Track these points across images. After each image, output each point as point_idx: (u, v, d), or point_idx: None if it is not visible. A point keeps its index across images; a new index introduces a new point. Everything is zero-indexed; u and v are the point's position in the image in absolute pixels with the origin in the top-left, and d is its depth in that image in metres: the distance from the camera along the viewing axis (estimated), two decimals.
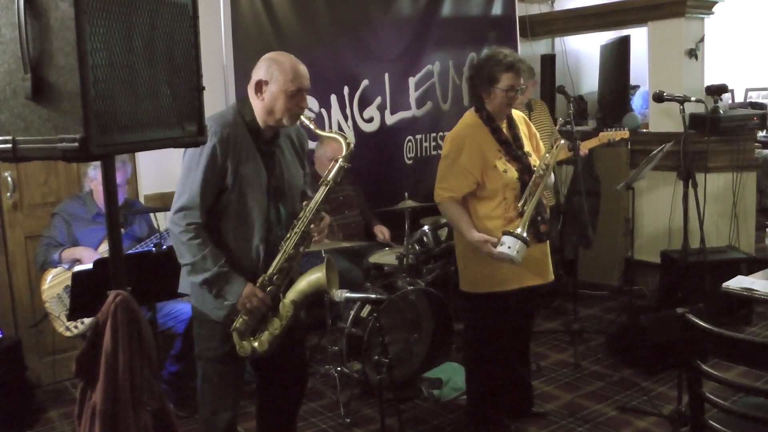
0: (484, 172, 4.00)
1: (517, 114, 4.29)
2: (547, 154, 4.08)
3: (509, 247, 3.82)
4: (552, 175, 4.14)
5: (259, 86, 3.19)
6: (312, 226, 3.29)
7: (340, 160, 3.34)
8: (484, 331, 4.27)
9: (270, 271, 3.24)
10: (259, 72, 3.21)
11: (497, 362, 4.31)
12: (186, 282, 3.33)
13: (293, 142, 3.48)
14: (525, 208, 3.97)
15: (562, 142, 4.25)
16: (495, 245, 3.89)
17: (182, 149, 3.13)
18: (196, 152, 3.10)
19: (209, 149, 3.08)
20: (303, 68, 3.24)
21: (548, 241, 4.25)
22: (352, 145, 3.39)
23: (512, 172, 4.03)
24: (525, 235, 3.85)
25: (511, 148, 4.09)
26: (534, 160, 4.14)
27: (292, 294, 3.27)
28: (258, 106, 3.22)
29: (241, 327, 3.22)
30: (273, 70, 3.17)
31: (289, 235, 3.27)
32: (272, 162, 3.30)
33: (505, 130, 4.14)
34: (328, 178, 3.31)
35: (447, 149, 4.13)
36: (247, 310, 3.17)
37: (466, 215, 4.06)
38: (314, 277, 3.27)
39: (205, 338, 3.35)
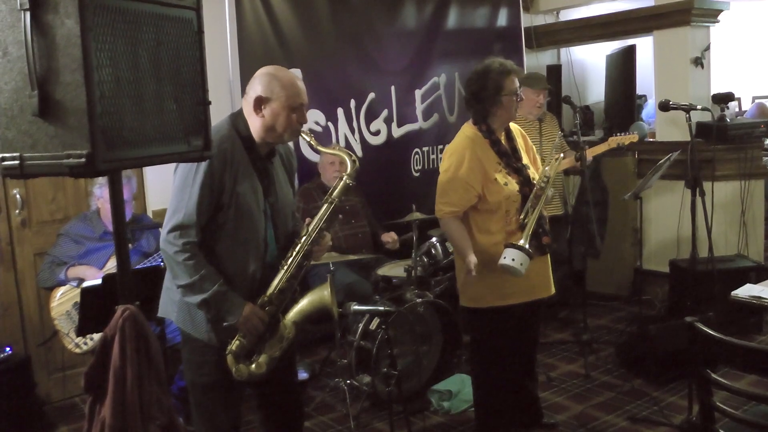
0: (485, 186, 3.97)
1: (514, 127, 4.27)
2: (547, 167, 4.07)
3: (513, 260, 3.78)
4: (551, 190, 4.12)
5: (259, 103, 3.06)
6: (314, 246, 3.20)
7: (345, 177, 3.24)
8: (489, 346, 4.25)
9: (270, 290, 3.13)
10: (256, 88, 3.08)
11: (503, 376, 4.30)
12: (167, 305, 3.22)
13: (283, 159, 3.35)
14: (526, 220, 3.95)
15: (562, 155, 4.25)
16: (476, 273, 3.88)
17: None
18: (191, 168, 2.96)
19: (206, 164, 2.92)
20: (301, 83, 3.14)
21: (549, 254, 4.24)
22: (357, 163, 3.29)
23: (513, 185, 4.00)
24: (528, 247, 3.84)
25: (511, 160, 4.07)
26: (532, 173, 4.13)
27: (293, 314, 3.19)
28: (257, 123, 3.09)
29: (237, 349, 3.10)
30: (274, 86, 3.06)
31: (290, 254, 3.16)
32: (267, 179, 3.19)
33: (504, 142, 4.12)
34: (333, 196, 3.22)
35: (447, 163, 4.06)
36: (247, 330, 3.06)
37: (467, 235, 4.02)
38: (317, 296, 3.20)
39: (196, 364, 3.21)
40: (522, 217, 3.98)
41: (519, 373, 4.44)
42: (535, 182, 4.05)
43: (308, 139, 3.23)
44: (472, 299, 4.15)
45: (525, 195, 4.01)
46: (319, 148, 3.30)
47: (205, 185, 2.95)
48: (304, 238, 3.18)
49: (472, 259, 3.89)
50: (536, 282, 4.15)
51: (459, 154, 4.02)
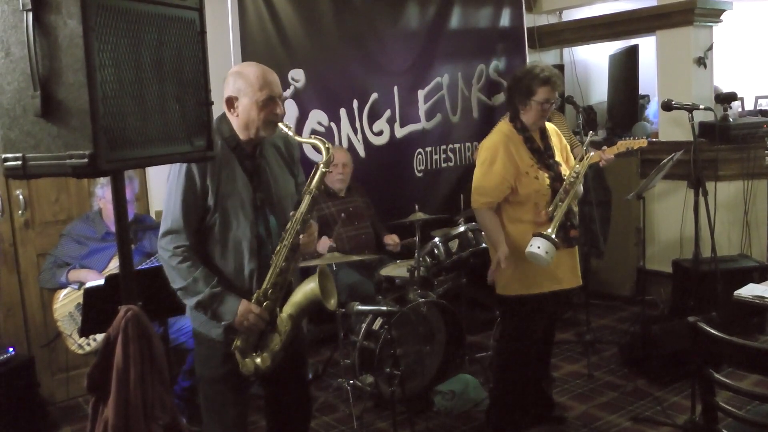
0: (517, 179, 4.09)
1: (550, 127, 4.39)
2: (578, 165, 4.16)
3: (539, 248, 3.90)
4: (581, 186, 4.19)
5: (230, 103, 3.11)
6: (301, 236, 3.17)
7: (321, 166, 3.21)
8: (518, 334, 4.31)
9: (264, 286, 3.13)
10: (227, 88, 3.13)
11: (525, 368, 4.33)
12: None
13: (280, 150, 3.37)
14: (555, 213, 4.05)
15: (592, 153, 4.31)
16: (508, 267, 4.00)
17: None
18: (174, 174, 3.04)
19: (185, 170, 3.00)
20: (271, 75, 3.15)
21: (576, 246, 4.32)
22: (331, 150, 3.25)
23: (544, 179, 4.12)
24: (554, 237, 3.90)
25: (543, 156, 4.20)
26: (564, 170, 4.23)
27: (289, 307, 3.19)
28: (234, 122, 3.14)
29: (242, 345, 3.13)
30: (239, 84, 3.10)
31: (278, 249, 3.16)
32: (257, 176, 3.20)
33: (538, 140, 4.24)
34: (311, 187, 3.18)
35: (482, 157, 4.21)
36: (245, 327, 3.08)
37: (500, 227, 4.15)
38: (308, 288, 3.18)
39: (205, 358, 3.28)
40: (551, 209, 4.08)
41: (536, 366, 4.48)
42: (565, 178, 4.15)
43: (286, 130, 3.21)
44: (503, 287, 4.25)
45: (555, 189, 4.13)
46: (297, 137, 3.28)
47: (188, 190, 3.02)
48: (288, 230, 3.16)
49: (504, 250, 4.03)
50: (564, 272, 4.23)
51: (494, 149, 4.16)
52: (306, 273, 3.41)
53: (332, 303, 3.25)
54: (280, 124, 3.18)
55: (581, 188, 4.23)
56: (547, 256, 3.89)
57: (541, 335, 4.41)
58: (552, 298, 4.26)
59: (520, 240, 4.07)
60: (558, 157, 4.29)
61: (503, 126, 4.29)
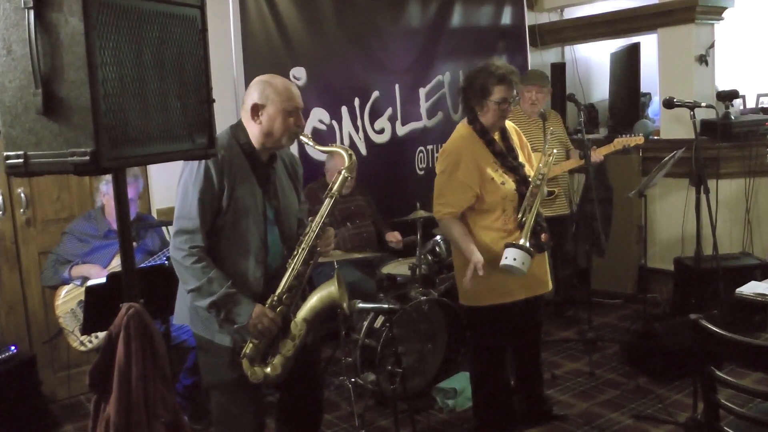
0: (482, 186, 3.96)
1: (509, 125, 4.24)
2: (541, 164, 4.05)
3: (515, 259, 3.78)
4: (545, 187, 4.10)
5: (255, 110, 3.13)
6: (318, 240, 3.21)
7: (344, 171, 3.25)
8: (488, 344, 4.26)
9: (279, 290, 3.13)
10: (252, 96, 3.16)
11: (502, 375, 4.31)
12: (183, 311, 3.25)
13: (286, 166, 3.40)
14: (524, 219, 3.94)
15: (555, 150, 4.25)
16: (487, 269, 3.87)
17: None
18: (191, 174, 3.05)
19: (203, 170, 3.01)
20: (295, 88, 3.22)
21: (546, 251, 4.21)
22: (354, 156, 3.31)
23: (510, 184, 3.99)
24: (528, 245, 3.83)
25: (507, 159, 4.05)
26: (528, 171, 4.11)
27: (304, 312, 3.19)
28: (255, 129, 3.16)
29: (251, 353, 3.11)
30: (268, 92, 3.13)
31: (296, 252, 3.18)
32: (268, 185, 3.24)
33: (498, 141, 4.10)
34: (333, 190, 3.24)
35: (443, 164, 4.04)
36: (258, 331, 3.06)
37: (468, 233, 4.01)
38: (326, 292, 3.20)
39: (212, 366, 3.24)
40: (520, 216, 3.97)
41: (520, 371, 4.45)
42: (531, 180, 4.04)
43: (307, 141, 3.28)
44: (471, 298, 4.15)
45: (522, 194, 3.99)
46: (318, 147, 3.33)
47: (204, 191, 3.03)
48: (307, 234, 3.21)
49: (479, 258, 3.87)
50: (535, 279, 4.14)
51: (455, 155, 4.00)
52: None
53: (345, 306, 3.29)
54: (301, 136, 3.24)
55: (546, 189, 4.14)
56: (524, 267, 3.78)
57: (525, 341, 4.40)
58: (522, 305, 4.18)
59: (489, 248, 3.94)
60: (521, 158, 4.15)
61: (462, 129, 4.12)
